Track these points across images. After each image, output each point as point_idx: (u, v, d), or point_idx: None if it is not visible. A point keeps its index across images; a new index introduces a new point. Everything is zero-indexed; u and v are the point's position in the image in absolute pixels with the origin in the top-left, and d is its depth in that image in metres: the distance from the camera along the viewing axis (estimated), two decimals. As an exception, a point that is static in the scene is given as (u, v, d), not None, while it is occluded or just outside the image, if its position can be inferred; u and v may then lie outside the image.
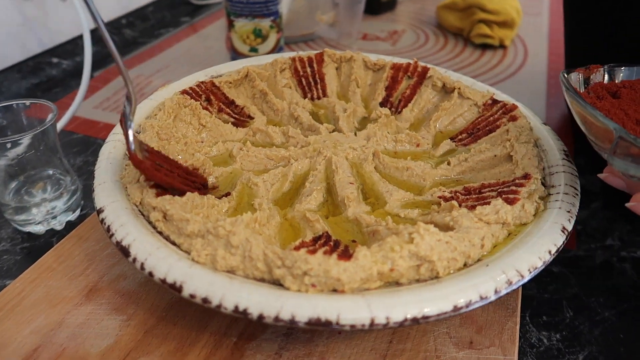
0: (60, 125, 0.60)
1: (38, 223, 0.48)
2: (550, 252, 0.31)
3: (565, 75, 0.35)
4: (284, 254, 0.29)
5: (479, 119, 0.45)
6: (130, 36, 0.89)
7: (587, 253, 0.47)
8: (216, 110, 0.47)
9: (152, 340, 0.34)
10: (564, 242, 0.32)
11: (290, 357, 0.33)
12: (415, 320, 0.27)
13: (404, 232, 0.31)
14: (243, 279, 0.30)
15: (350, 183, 0.38)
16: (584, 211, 0.51)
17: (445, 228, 0.33)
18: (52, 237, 0.48)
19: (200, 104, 0.46)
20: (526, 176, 0.36)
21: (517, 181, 0.36)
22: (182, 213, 0.32)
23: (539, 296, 0.42)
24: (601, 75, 0.37)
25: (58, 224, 0.49)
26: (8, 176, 0.46)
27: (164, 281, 0.29)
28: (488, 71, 0.78)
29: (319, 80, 0.52)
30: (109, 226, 0.33)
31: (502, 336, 0.34)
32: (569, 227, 0.33)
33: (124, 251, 0.31)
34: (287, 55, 0.54)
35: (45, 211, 0.48)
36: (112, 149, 0.40)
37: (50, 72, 0.76)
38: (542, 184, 0.37)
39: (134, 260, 0.31)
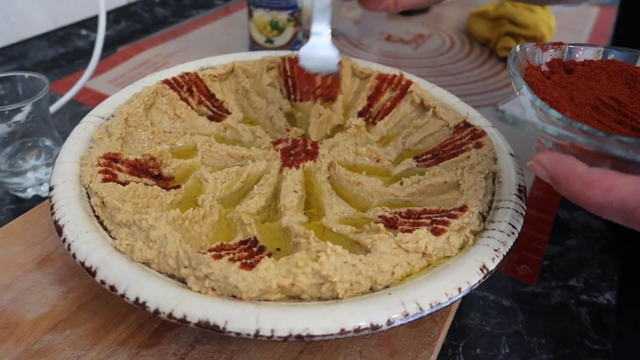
0: (69, 95, 0.63)
1: (27, 188, 0.52)
2: (460, 289, 0.31)
3: (520, 47, 0.35)
4: (193, 255, 0.30)
5: (447, 141, 0.44)
6: (161, 15, 0.92)
7: (545, 291, 0.45)
8: (196, 102, 0.49)
9: (83, 314, 0.36)
10: (480, 280, 0.32)
11: (203, 350, 0.35)
12: (300, 337, 0.28)
13: (313, 249, 0.31)
14: (154, 272, 0.31)
15: (294, 191, 0.39)
16: (556, 247, 0.50)
17: (365, 250, 0.33)
18: (37, 202, 0.51)
19: (180, 94, 0.48)
20: (462, 208, 0.35)
21: (452, 212, 0.35)
22: (115, 201, 0.34)
23: (480, 328, 0.42)
24: (562, 53, 0.37)
25: (45, 191, 0.52)
26: (2, 142, 0.50)
27: (82, 264, 0.31)
28: (506, 86, 0.76)
29: (304, 83, 0.52)
30: (53, 204, 0.35)
31: (413, 364, 0.34)
32: (491, 266, 0.32)
33: (59, 230, 0.34)
34: (280, 53, 0.54)
35: (34, 178, 0.52)
36: (83, 130, 0.42)
37: (77, 44, 0.80)
38: (483, 217, 0.36)
39: (64, 240, 0.33)
